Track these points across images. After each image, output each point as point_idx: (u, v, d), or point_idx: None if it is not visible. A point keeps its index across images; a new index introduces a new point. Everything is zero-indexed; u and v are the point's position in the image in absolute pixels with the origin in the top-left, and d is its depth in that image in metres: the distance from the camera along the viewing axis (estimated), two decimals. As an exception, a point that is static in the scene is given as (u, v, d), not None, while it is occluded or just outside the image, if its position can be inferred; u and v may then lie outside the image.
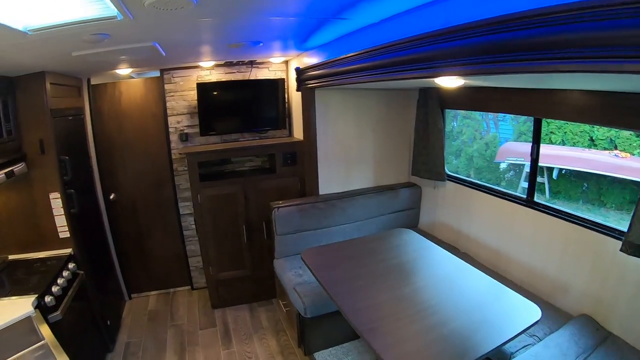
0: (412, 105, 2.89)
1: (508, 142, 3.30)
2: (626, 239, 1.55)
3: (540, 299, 2.07)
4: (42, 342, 1.75)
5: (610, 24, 0.69)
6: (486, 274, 1.96)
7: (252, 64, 3.12)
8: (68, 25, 1.31)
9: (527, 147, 2.25)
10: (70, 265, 2.27)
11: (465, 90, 2.38)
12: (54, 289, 1.97)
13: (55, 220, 2.35)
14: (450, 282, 1.92)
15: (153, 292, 3.50)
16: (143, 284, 3.49)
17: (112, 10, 1.22)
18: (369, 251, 2.23)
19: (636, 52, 0.67)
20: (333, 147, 2.86)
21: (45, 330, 1.74)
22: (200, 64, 2.95)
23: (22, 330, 1.70)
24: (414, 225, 3.06)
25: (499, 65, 0.94)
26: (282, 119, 3.20)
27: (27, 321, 1.70)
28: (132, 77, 3.22)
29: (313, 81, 2.39)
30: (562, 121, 3.54)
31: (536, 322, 1.56)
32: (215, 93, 3.09)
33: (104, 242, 3.15)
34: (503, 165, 3.21)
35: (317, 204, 2.74)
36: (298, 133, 3.09)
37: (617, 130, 3.58)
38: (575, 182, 3.70)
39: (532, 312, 1.61)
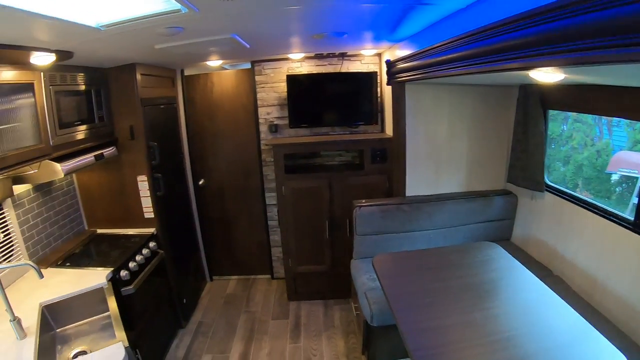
0: (511, 105, 3.22)
1: (621, 150, 3.53)
2: None
3: (636, 345, 2.15)
4: (108, 313, 2.44)
5: None
6: (578, 305, 2.12)
7: (343, 56, 3.80)
8: (136, 20, 1.76)
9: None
10: (151, 244, 3.19)
11: (569, 88, 2.58)
12: (131, 264, 2.85)
13: (142, 201, 3.32)
14: (533, 313, 2.02)
15: (234, 277, 4.50)
16: (225, 267, 4.51)
17: (174, 4, 1.59)
18: (448, 264, 2.57)
19: None
20: (423, 146, 3.38)
21: (112, 302, 2.47)
22: (290, 56, 3.69)
23: (94, 299, 2.49)
24: (505, 237, 3.47)
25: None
26: (374, 114, 3.85)
27: (99, 291, 2.51)
28: (225, 69, 4.12)
29: (402, 75, 2.87)
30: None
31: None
32: (305, 85, 3.82)
33: (190, 224, 4.14)
34: (615, 177, 3.48)
35: (401, 206, 3.31)
36: (389, 129, 3.67)
37: None
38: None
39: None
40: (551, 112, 3.02)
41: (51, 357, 2.20)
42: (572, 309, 2.02)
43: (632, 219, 2.32)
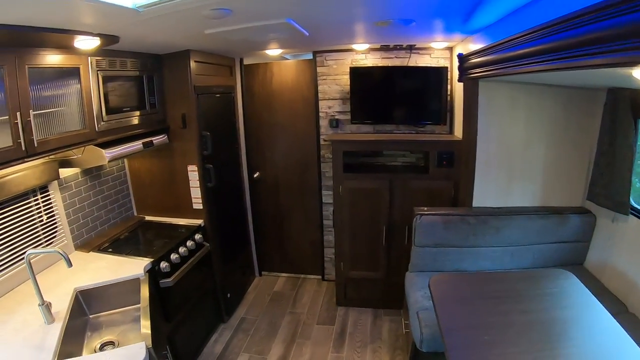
0: (597, 112, 2.71)
1: None
2: None
3: None
4: (139, 305, 2.31)
5: None
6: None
7: (411, 49, 3.42)
8: (174, 0, 1.61)
9: None
10: (197, 236, 3.07)
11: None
12: (173, 256, 2.74)
13: (191, 191, 3.21)
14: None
15: (283, 274, 4.33)
16: (275, 264, 4.35)
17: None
18: (513, 294, 2.19)
19: None
20: (495, 152, 2.97)
21: (144, 295, 2.31)
22: (354, 46, 3.38)
23: (130, 289, 2.38)
24: (578, 262, 2.97)
25: None
26: (443, 113, 3.44)
27: (135, 282, 2.41)
28: (285, 59, 3.92)
29: (476, 70, 2.52)
30: None
31: None
32: (369, 79, 3.50)
33: (242, 218, 4.02)
34: None
35: (467, 218, 2.93)
36: (459, 131, 3.27)
37: None
38: None
39: None
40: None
41: (79, 342, 2.13)
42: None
43: None
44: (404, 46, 3.41)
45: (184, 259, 2.84)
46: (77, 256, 2.67)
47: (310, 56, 3.65)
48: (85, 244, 2.79)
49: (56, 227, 2.60)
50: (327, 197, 3.89)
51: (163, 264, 2.62)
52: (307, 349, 3.20)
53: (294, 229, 4.19)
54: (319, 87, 3.67)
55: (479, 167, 3.00)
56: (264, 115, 3.92)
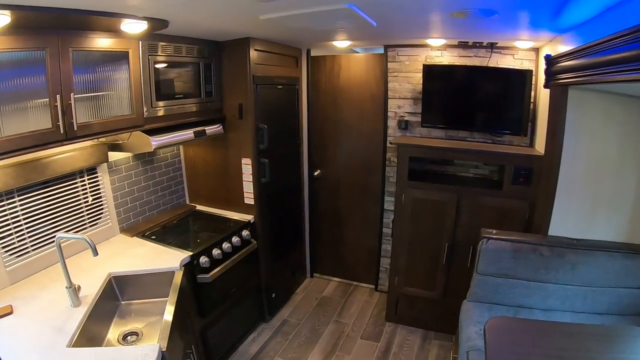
0: None
1: None
2: None
3: None
4: (167, 298, 2.15)
5: None
6: None
7: (492, 47, 2.96)
8: None
9: None
10: (244, 233, 2.94)
11: None
12: (215, 251, 2.63)
13: (244, 185, 3.09)
14: None
15: (335, 279, 4.10)
16: (328, 267, 4.13)
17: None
18: (583, 355, 1.73)
19: None
20: (580, 173, 2.46)
21: (175, 289, 2.17)
22: (429, 42, 2.99)
23: (164, 280, 2.28)
24: None
25: None
26: (524, 123, 2.94)
27: (170, 274, 2.30)
28: (356, 52, 3.65)
29: (566, 75, 2.08)
30: None
31: None
32: (444, 78, 3.12)
33: (297, 216, 3.83)
34: None
35: (540, 248, 2.46)
36: (540, 145, 2.77)
37: None
38: None
39: None
40: None
41: (105, 326, 2.11)
42: None
43: None
44: (485, 44, 2.94)
45: (226, 255, 2.73)
46: (120, 239, 2.70)
47: (381, 50, 3.32)
48: (130, 228, 2.81)
49: (102, 209, 2.62)
50: (390, 203, 3.57)
51: (203, 259, 2.53)
52: (345, 364, 2.97)
53: (351, 233, 3.93)
54: (389, 85, 3.33)
55: (560, 189, 2.50)
56: (329, 110, 3.69)
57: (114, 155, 2.64)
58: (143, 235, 2.73)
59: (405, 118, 3.34)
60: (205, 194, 3.28)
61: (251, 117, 2.89)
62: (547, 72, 2.39)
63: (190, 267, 2.47)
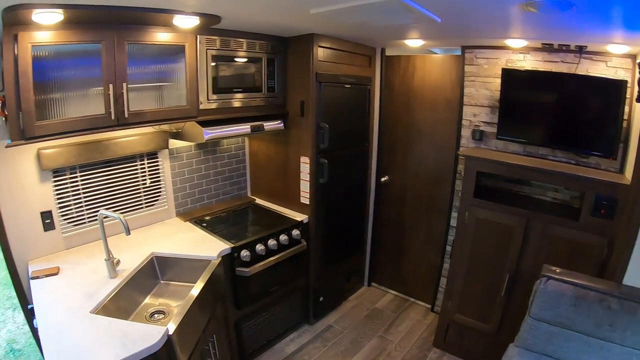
0: None
1: None
2: None
3: None
4: (193, 285, 2.16)
5: None
6: None
7: (580, 51, 2.45)
8: None
9: None
10: (294, 232, 2.89)
11: None
12: (258, 247, 2.62)
13: (301, 184, 3.03)
14: None
15: (392, 291, 3.87)
16: (387, 278, 3.91)
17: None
18: None
19: None
20: None
21: (204, 277, 2.19)
22: (508, 43, 2.61)
23: (200, 268, 2.30)
24: None
25: None
26: (615, 144, 2.40)
27: (205, 263, 2.34)
28: (434, 52, 3.35)
29: None
30: None
31: None
32: (524, 85, 2.71)
33: (359, 221, 3.67)
34: None
35: (608, 298, 1.99)
36: (630, 172, 2.24)
37: None
38: None
39: None
40: None
41: (138, 301, 2.28)
42: None
43: None
44: (572, 47, 2.46)
45: (271, 252, 2.73)
46: (173, 222, 2.87)
47: (459, 51, 2.99)
48: (186, 213, 2.97)
49: (160, 192, 2.82)
50: (456, 219, 3.17)
51: (244, 253, 2.56)
52: (378, 385, 2.77)
53: (414, 246, 3.65)
54: (465, 90, 3.00)
55: (646, 229, 1.96)
56: (401, 114, 3.46)
57: (175, 143, 2.80)
58: (195, 222, 2.86)
59: (481, 128, 2.97)
60: (266, 189, 3.32)
61: (312, 115, 2.83)
62: (640, 82, 1.90)
63: (230, 259, 2.51)
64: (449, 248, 3.32)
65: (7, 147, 1.85)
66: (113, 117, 2.07)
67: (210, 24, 2.26)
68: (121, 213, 2.59)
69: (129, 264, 2.26)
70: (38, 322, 1.77)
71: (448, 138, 3.20)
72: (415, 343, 3.13)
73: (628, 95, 2.36)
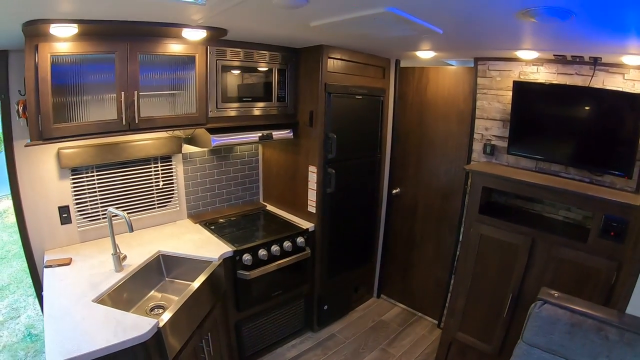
0: None
1: None
2: None
3: None
4: (191, 284, 2.26)
5: None
6: None
7: (595, 63, 2.35)
8: None
9: None
10: (299, 240, 2.94)
11: None
12: (261, 252, 2.69)
13: (308, 193, 3.10)
14: None
15: (400, 305, 3.83)
16: (396, 291, 3.88)
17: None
18: None
19: None
20: None
21: (201, 278, 2.29)
22: (519, 54, 2.54)
23: (202, 268, 2.40)
24: None
25: None
26: (631, 162, 2.27)
27: (206, 263, 2.45)
28: (448, 64, 3.32)
29: None
30: None
31: None
32: (536, 99, 2.61)
33: (369, 233, 3.67)
34: None
35: (606, 328, 1.87)
36: None
37: None
38: None
39: None
40: None
41: (143, 294, 2.45)
42: None
43: None
44: (586, 59, 2.36)
45: (273, 257, 2.80)
46: (184, 223, 3.03)
47: (472, 63, 2.96)
48: (197, 215, 3.12)
49: (172, 194, 2.99)
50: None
51: (246, 257, 2.65)
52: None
53: (423, 260, 3.61)
54: (477, 103, 2.95)
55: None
56: (414, 126, 3.46)
57: (189, 148, 2.97)
58: (205, 224, 3.00)
59: (492, 142, 2.90)
60: (276, 196, 3.42)
61: (321, 125, 2.90)
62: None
63: (232, 262, 2.62)
64: (457, 264, 3.23)
65: (26, 146, 2.07)
66: (124, 123, 2.24)
67: (218, 36, 2.39)
68: (134, 212, 2.81)
69: (135, 259, 2.42)
70: (45, 306, 1.96)
71: (460, 151, 3.16)
72: (416, 359, 3.08)
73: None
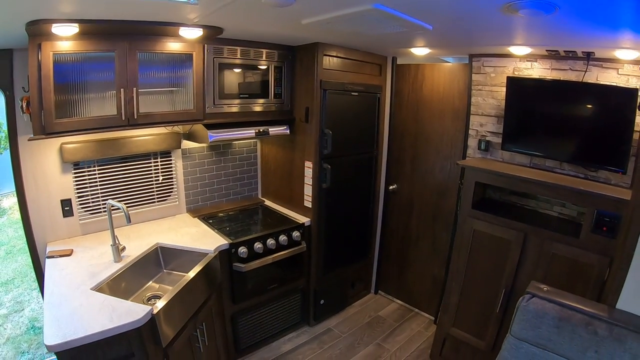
0: None
1: None
2: None
3: None
4: (186, 275, 2.34)
5: None
6: None
7: (588, 58, 2.39)
8: None
9: None
10: (294, 234, 3.02)
11: None
12: (257, 245, 2.77)
13: (304, 188, 3.18)
14: None
15: (397, 301, 3.89)
16: (393, 287, 3.95)
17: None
18: None
19: None
20: None
21: (196, 269, 2.37)
22: (512, 50, 2.59)
23: (196, 260, 2.49)
24: None
25: None
26: (626, 157, 2.30)
27: (202, 255, 2.54)
28: (444, 61, 3.37)
29: None
30: None
31: None
32: (530, 94, 2.67)
33: (366, 229, 3.73)
34: None
35: (595, 323, 1.90)
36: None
37: None
38: None
39: None
40: None
41: (141, 284, 2.55)
42: None
43: None
44: (579, 54, 2.40)
45: (269, 251, 2.88)
46: (183, 217, 3.13)
47: (467, 60, 3.02)
48: (195, 210, 3.22)
49: (171, 189, 3.09)
50: (463, 232, 3.20)
51: (241, 249, 2.73)
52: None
53: (419, 257, 3.67)
54: (472, 99, 3.01)
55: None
56: (409, 123, 3.52)
57: (188, 144, 3.07)
58: (203, 218, 3.10)
59: (487, 138, 2.96)
60: (274, 191, 3.51)
61: (316, 121, 2.98)
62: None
63: (228, 254, 2.71)
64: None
65: (29, 140, 2.18)
66: (124, 118, 2.35)
67: (214, 35, 2.48)
68: (134, 206, 2.92)
69: (134, 251, 2.53)
70: (45, 293, 2.06)
71: (455, 148, 3.23)
72: (411, 354, 3.14)
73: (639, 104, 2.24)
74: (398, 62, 3.52)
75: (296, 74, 3.06)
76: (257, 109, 2.95)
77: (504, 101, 2.78)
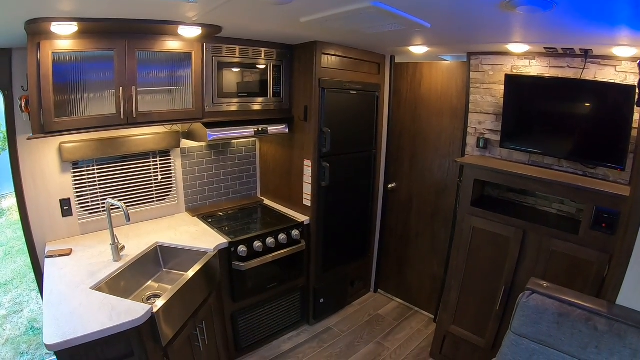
0: None
1: None
2: None
3: None
4: (186, 274, 2.35)
5: None
6: None
7: (586, 55, 2.39)
8: None
9: None
10: (294, 232, 3.02)
11: None
12: (256, 244, 2.77)
13: (304, 187, 3.18)
14: None
15: (397, 299, 3.90)
16: (392, 285, 3.95)
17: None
18: None
19: None
20: None
21: (196, 268, 2.38)
22: (510, 48, 2.59)
23: (198, 259, 2.48)
24: None
25: None
26: (624, 154, 2.30)
27: (201, 254, 2.54)
28: (444, 60, 3.38)
29: None
30: None
31: None
32: (528, 92, 2.66)
33: (365, 227, 3.73)
34: None
35: (595, 319, 1.91)
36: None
37: None
38: None
39: None
40: None
41: (141, 283, 2.55)
42: None
43: None
44: (577, 51, 2.39)
45: (268, 249, 2.88)
46: (182, 216, 3.13)
47: (465, 58, 3.02)
48: (195, 209, 3.22)
49: (170, 188, 3.09)
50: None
51: (241, 248, 2.73)
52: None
53: (418, 255, 3.68)
54: (470, 97, 3.01)
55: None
56: (408, 121, 3.53)
57: (187, 143, 3.07)
58: (202, 217, 3.10)
59: (486, 136, 2.96)
60: (273, 190, 3.51)
61: (315, 120, 2.98)
62: (640, 85, 1.82)
63: (227, 253, 2.71)
64: (453, 258, 3.30)
65: (28, 139, 2.18)
66: (123, 117, 2.35)
67: (213, 33, 2.48)
68: (133, 205, 2.91)
69: (133, 250, 2.52)
70: (44, 293, 2.06)
71: (453, 146, 3.23)
72: (411, 352, 3.14)
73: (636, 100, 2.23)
74: (396, 61, 3.52)
75: (295, 72, 3.06)
76: (256, 107, 2.95)
77: (502, 99, 2.78)
